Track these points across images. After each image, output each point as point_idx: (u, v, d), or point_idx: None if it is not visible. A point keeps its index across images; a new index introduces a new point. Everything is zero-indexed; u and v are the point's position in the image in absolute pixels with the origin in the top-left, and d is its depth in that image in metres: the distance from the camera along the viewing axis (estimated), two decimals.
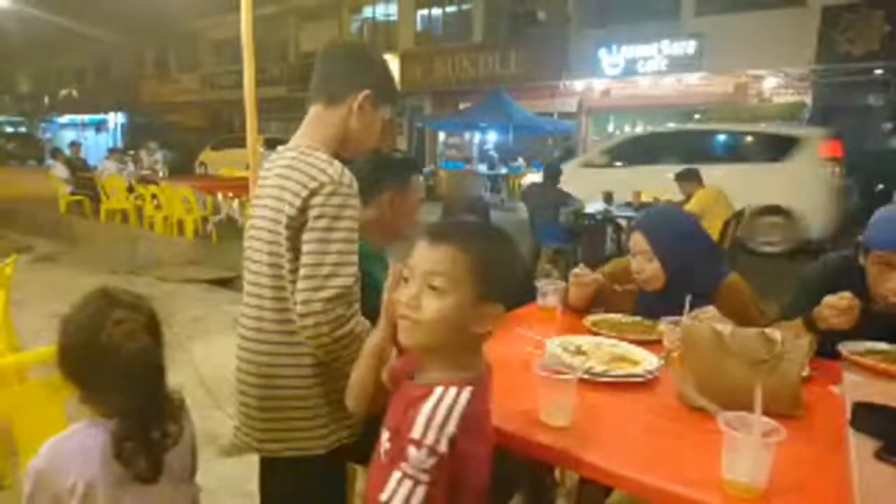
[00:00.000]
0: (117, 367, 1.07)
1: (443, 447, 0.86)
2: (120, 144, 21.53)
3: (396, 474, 0.87)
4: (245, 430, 1.41)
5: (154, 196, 8.33)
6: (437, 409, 0.88)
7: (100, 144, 26.76)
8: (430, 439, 0.86)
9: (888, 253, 1.54)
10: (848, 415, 1.11)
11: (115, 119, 29.05)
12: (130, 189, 9.21)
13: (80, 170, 10.87)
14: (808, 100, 12.26)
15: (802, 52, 11.13)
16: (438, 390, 0.91)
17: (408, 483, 0.86)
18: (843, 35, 10.78)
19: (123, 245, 7.75)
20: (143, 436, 1.09)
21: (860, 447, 1.01)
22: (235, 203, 8.27)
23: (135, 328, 1.10)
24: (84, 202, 9.82)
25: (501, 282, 0.96)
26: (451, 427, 0.87)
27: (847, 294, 1.51)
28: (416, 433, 0.87)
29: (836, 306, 1.51)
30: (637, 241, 1.86)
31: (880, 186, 1.92)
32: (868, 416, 1.09)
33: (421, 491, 0.86)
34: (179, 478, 1.21)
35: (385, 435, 0.98)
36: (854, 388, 1.27)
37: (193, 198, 7.97)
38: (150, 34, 23.45)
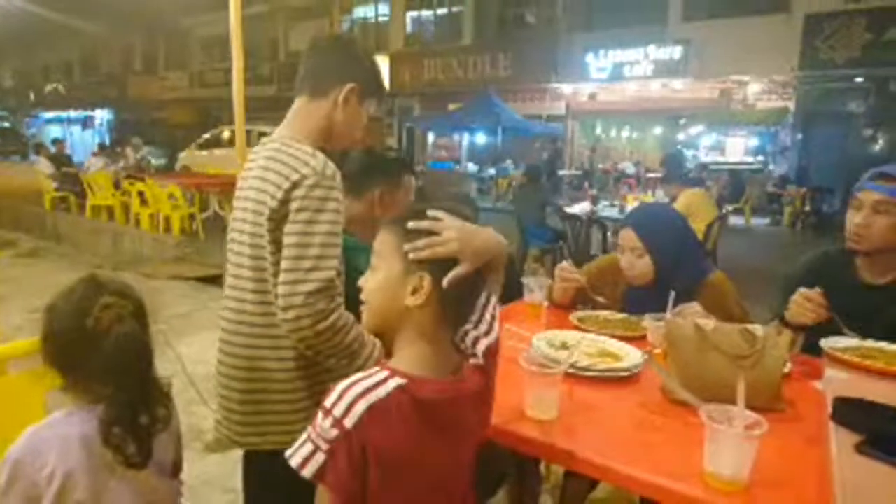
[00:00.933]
0: (105, 352, 1.06)
1: (348, 424, 0.82)
2: (107, 141, 21.28)
3: (304, 434, 0.86)
4: (226, 423, 1.40)
5: (140, 192, 8.23)
6: (358, 383, 0.86)
7: (86, 141, 26.35)
8: (337, 410, 0.83)
9: (857, 192, 1.69)
10: (829, 409, 1.12)
11: (102, 115, 28.66)
12: (117, 185, 9.10)
13: (64, 165, 10.71)
14: (791, 106, 12.44)
15: (786, 59, 11.30)
16: (372, 370, 0.89)
17: (308, 446, 0.85)
18: (825, 42, 10.96)
19: (109, 241, 7.66)
20: (132, 421, 1.08)
21: (841, 441, 1.02)
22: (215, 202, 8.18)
23: (122, 313, 1.09)
24: (69, 198, 9.68)
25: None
26: (361, 407, 0.83)
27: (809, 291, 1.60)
28: (328, 400, 0.85)
29: (806, 296, 1.58)
30: (628, 237, 1.86)
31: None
32: (849, 411, 1.10)
33: (319, 459, 0.83)
34: (163, 469, 1.20)
35: None
36: (835, 383, 1.29)
37: (180, 194, 7.89)
38: (138, 30, 23.20)
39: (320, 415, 0.85)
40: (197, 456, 2.50)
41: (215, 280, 5.72)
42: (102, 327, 1.07)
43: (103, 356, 1.06)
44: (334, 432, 0.83)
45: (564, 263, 1.98)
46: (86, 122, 29.29)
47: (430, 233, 0.94)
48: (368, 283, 0.97)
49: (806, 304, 1.58)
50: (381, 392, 0.85)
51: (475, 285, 0.97)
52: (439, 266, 0.92)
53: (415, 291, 0.91)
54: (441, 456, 0.94)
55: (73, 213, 9.38)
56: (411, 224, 0.93)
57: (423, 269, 0.92)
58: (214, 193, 8.49)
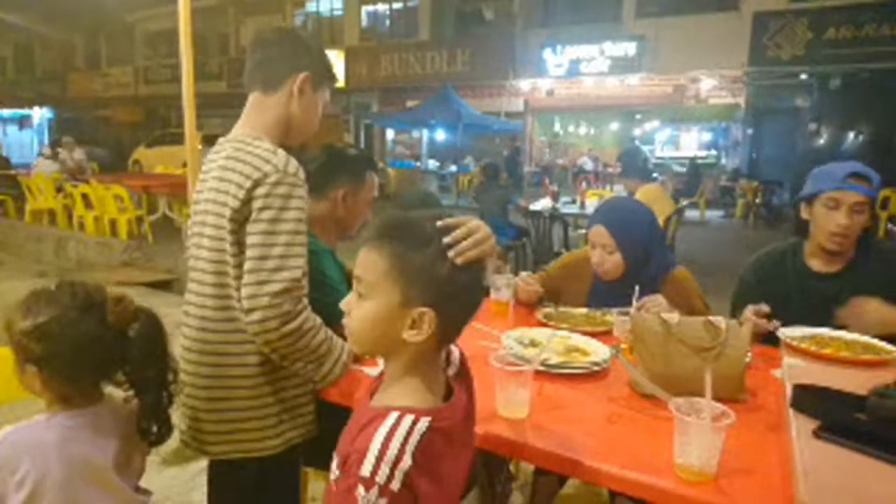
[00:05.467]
0: (135, 341, 1.09)
1: (396, 485, 0.76)
2: (46, 141, 20.32)
3: None
4: (191, 433, 1.35)
5: (84, 195, 7.87)
6: (390, 441, 0.77)
7: (24, 141, 25.18)
8: (380, 477, 0.76)
9: (832, 192, 1.70)
10: (788, 397, 1.15)
11: (42, 114, 27.31)
12: (59, 188, 8.69)
13: (1, 168, 10.16)
14: (742, 101, 12.89)
15: (736, 56, 11.71)
16: (392, 417, 0.80)
17: None
18: (771, 40, 11.42)
19: (51, 247, 7.29)
20: (157, 402, 1.12)
21: (800, 427, 1.04)
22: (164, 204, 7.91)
23: (134, 304, 1.11)
24: (7, 202, 9.19)
25: (429, 282, 0.82)
26: (406, 462, 0.77)
27: (759, 307, 1.67)
28: (365, 470, 0.76)
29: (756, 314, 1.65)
30: (599, 233, 1.86)
31: (811, 189, 2.02)
32: (806, 398, 1.13)
33: None
34: (133, 481, 1.18)
35: (335, 461, 0.86)
36: (793, 371, 1.32)
37: (127, 196, 7.59)
38: (77, 24, 22.20)
39: (361, 488, 0.76)
40: (155, 469, 2.39)
41: (166, 285, 5.52)
42: (127, 319, 1.09)
43: (134, 345, 1.08)
44: (383, 501, 0.76)
45: (524, 275, 1.98)
46: (22, 122, 27.81)
47: (416, 239, 0.83)
48: (354, 312, 0.86)
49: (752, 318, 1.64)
50: (416, 439, 0.79)
51: (481, 299, 0.89)
52: (440, 294, 0.82)
53: (414, 325, 0.82)
54: (461, 475, 0.93)
55: (10, 217, 8.91)
56: (448, 238, 0.83)
57: (422, 302, 0.81)
58: (163, 195, 8.21)
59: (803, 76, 11.67)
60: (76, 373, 1.06)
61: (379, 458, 0.76)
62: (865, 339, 1.52)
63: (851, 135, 11.82)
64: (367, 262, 0.84)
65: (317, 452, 1.32)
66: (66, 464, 1.03)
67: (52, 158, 10.10)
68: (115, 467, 1.10)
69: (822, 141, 12.01)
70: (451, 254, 0.82)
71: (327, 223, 1.63)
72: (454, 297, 0.84)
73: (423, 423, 0.80)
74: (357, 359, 1.39)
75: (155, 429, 1.15)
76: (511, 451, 1.21)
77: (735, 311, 1.91)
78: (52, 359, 1.03)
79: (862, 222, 1.70)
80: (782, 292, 1.80)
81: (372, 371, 1.38)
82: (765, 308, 1.66)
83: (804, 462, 0.93)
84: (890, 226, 6.23)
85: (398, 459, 0.77)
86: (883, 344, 1.49)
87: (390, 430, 0.79)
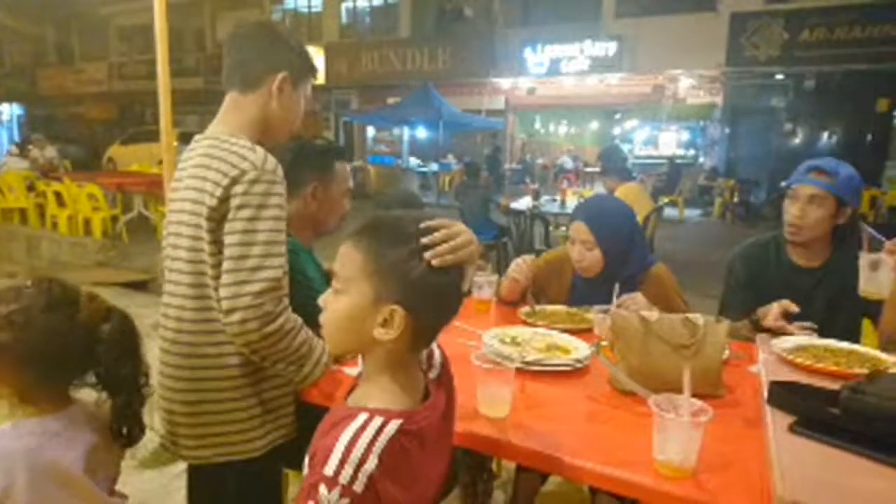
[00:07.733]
0: (108, 338, 1.06)
1: (359, 487, 0.75)
2: (17, 138, 19.83)
3: None
4: (171, 438, 1.33)
5: (57, 193, 7.70)
6: (356, 441, 0.77)
7: None
8: (344, 478, 0.75)
9: (794, 185, 1.81)
10: (765, 393, 1.17)
11: (11, 111, 26.60)
12: (31, 187, 8.48)
13: None
14: (719, 101, 13.09)
15: (714, 56, 11.89)
16: (361, 417, 0.79)
17: None
18: (749, 40, 11.62)
19: (22, 246, 7.12)
20: (129, 403, 1.10)
21: (776, 422, 1.06)
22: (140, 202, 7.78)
23: (106, 303, 1.09)
24: None
25: (401, 280, 0.81)
26: (371, 464, 0.76)
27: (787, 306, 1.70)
28: (329, 468, 0.75)
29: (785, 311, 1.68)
30: (579, 230, 1.88)
31: (784, 183, 2.08)
32: (782, 394, 1.14)
33: None
34: (108, 487, 1.15)
35: (307, 458, 0.85)
36: (769, 367, 1.35)
37: (101, 195, 7.44)
38: (48, 17, 21.68)
39: (323, 488, 0.75)
40: (133, 472, 2.35)
41: (142, 285, 5.42)
42: (100, 316, 1.07)
43: (106, 345, 1.06)
44: (345, 501, 0.75)
45: (526, 257, 1.97)
46: None
47: (393, 237, 0.82)
48: (330, 307, 0.86)
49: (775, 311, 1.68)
50: (383, 441, 0.78)
51: (458, 304, 0.88)
52: (412, 294, 0.81)
53: (385, 324, 0.81)
54: (436, 477, 0.92)
55: None
56: (426, 240, 0.82)
57: (393, 300, 0.80)
58: (139, 193, 8.07)
59: (779, 76, 11.90)
60: (43, 369, 1.03)
61: (343, 459, 0.76)
62: (858, 348, 1.46)
63: (825, 135, 12.10)
64: (344, 258, 0.84)
65: (297, 453, 1.31)
66: (35, 472, 1.00)
67: (20, 156, 9.84)
68: (89, 473, 1.07)
69: (796, 140, 12.27)
70: (427, 255, 0.81)
71: (302, 220, 1.60)
72: (427, 298, 0.83)
73: (393, 425, 0.80)
74: (337, 359, 1.38)
75: (125, 430, 1.13)
76: (493, 450, 1.21)
77: (724, 309, 1.92)
78: (18, 349, 1.01)
79: (819, 215, 1.75)
80: (768, 285, 1.84)
81: (352, 371, 1.37)
82: (794, 308, 1.67)
83: (780, 456, 0.95)
84: (862, 224, 6.36)
85: (362, 461, 0.76)
86: (882, 355, 1.41)
87: (357, 432, 0.78)
